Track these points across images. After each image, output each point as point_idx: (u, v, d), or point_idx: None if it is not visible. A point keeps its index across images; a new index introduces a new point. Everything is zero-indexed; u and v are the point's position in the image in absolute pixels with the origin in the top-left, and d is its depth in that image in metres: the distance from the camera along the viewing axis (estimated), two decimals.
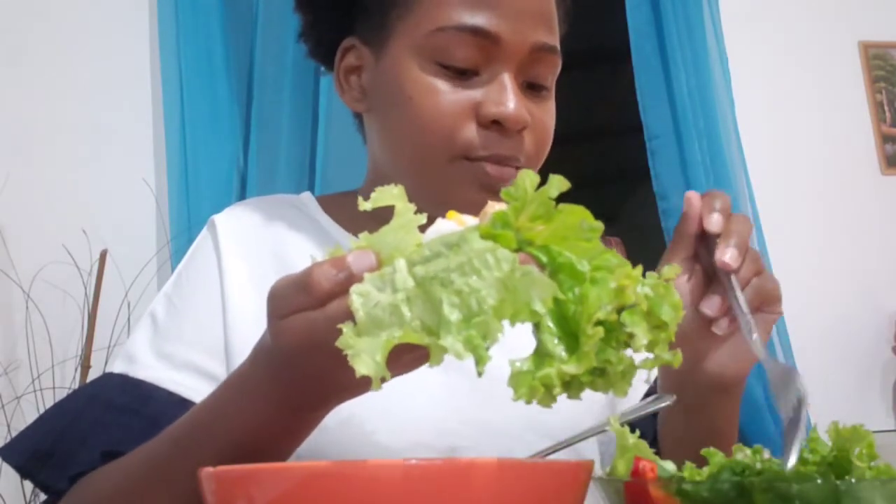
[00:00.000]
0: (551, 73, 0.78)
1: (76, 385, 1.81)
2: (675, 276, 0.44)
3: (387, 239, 0.46)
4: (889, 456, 0.51)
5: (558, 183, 0.44)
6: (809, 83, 2.54)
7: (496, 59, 0.74)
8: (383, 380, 0.42)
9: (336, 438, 0.69)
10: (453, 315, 0.41)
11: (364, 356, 0.41)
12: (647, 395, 0.84)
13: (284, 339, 0.49)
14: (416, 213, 0.46)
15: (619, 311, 0.42)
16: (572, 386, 0.42)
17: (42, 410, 1.82)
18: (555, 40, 0.78)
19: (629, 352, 0.43)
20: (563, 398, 0.42)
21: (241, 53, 2.13)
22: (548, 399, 0.41)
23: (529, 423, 0.76)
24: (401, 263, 0.43)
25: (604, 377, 0.42)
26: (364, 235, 0.47)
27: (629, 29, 2.32)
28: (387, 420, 0.72)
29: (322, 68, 0.89)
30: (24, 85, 2.08)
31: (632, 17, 2.32)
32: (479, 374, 0.40)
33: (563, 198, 0.49)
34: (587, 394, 0.43)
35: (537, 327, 0.42)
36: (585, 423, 0.72)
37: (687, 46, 2.28)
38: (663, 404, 0.71)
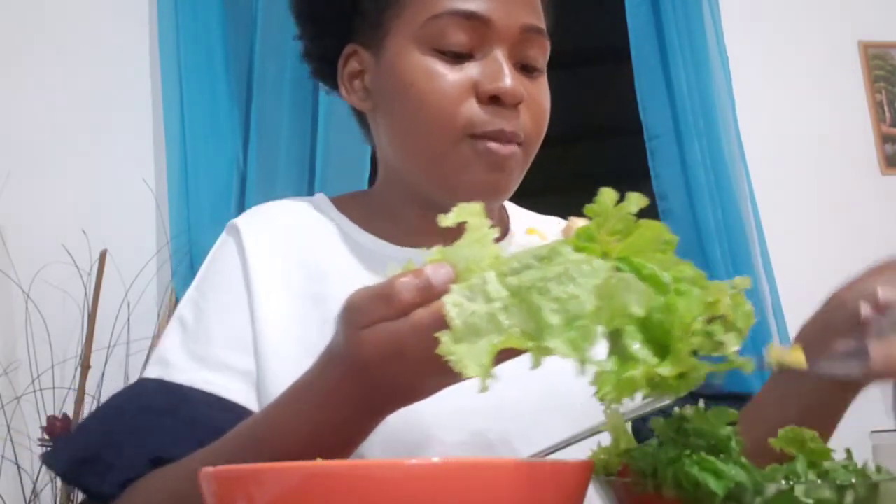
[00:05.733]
0: (542, 54, 0.82)
1: (76, 385, 1.81)
2: (748, 285, 0.47)
3: (462, 252, 0.49)
4: (889, 456, 0.52)
5: (637, 199, 0.48)
6: (809, 83, 2.54)
7: (489, 41, 0.78)
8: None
9: None
10: (554, 319, 0.44)
11: (469, 361, 0.44)
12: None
13: (366, 349, 0.51)
14: (490, 227, 0.49)
15: (707, 320, 0.45)
16: (658, 387, 0.45)
17: (42, 410, 1.82)
18: (542, 23, 0.82)
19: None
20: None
21: (240, 54, 2.13)
22: (629, 396, 0.44)
23: (548, 407, 0.79)
24: (491, 275, 0.46)
25: (685, 379, 0.45)
26: (438, 249, 0.50)
27: (629, 29, 2.32)
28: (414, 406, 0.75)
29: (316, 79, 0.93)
30: (24, 85, 2.08)
31: (632, 17, 2.32)
32: (581, 372, 0.43)
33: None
34: None
35: (617, 333, 0.45)
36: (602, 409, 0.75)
37: (687, 46, 2.28)
38: (663, 404, 0.71)
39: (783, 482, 0.47)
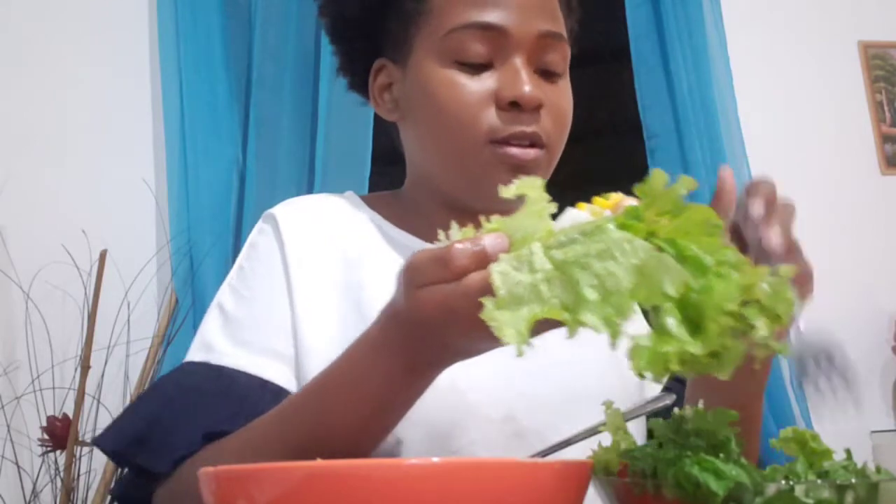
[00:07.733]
0: (561, 59, 0.84)
1: (76, 385, 1.81)
2: (792, 274, 0.47)
3: (520, 223, 0.51)
4: (889, 456, 0.52)
5: (686, 182, 0.48)
6: (810, 83, 2.54)
7: (507, 50, 0.80)
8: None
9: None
10: (591, 295, 0.45)
11: (508, 328, 0.46)
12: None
13: (421, 308, 0.54)
14: (549, 202, 0.51)
15: (742, 303, 0.45)
16: (689, 364, 0.45)
17: (42, 410, 1.82)
18: (559, 28, 0.84)
19: None
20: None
21: (240, 53, 2.13)
22: (663, 373, 0.45)
23: (575, 396, 0.81)
24: (537, 247, 0.48)
25: (718, 359, 0.45)
26: (496, 219, 0.53)
27: (629, 29, 2.32)
28: (453, 388, 0.77)
29: (335, 74, 0.95)
30: (25, 85, 2.08)
31: (632, 17, 2.32)
32: (613, 346, 0.45)
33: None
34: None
35: (656, 310, 0.46)
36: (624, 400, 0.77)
37: (687, 46, 2.28)
38: (662, 404, 0.71)
39: (783, 482, 0.47)
